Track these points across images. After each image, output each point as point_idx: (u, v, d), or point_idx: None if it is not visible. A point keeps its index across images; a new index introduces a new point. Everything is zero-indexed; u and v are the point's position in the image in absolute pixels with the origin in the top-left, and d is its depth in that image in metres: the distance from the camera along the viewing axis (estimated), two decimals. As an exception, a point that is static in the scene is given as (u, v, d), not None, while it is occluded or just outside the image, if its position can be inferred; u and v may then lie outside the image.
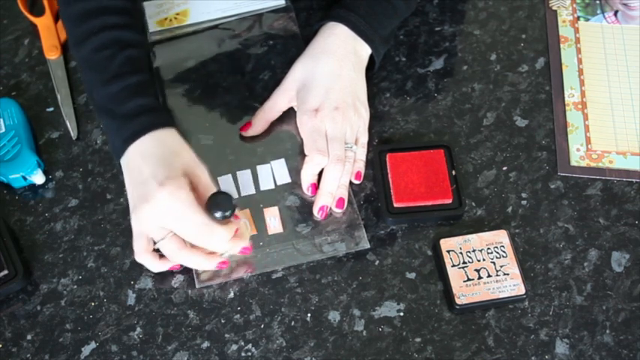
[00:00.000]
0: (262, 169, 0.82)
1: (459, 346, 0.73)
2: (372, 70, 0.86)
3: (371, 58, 0.85)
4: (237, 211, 0.73)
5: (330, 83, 0.80)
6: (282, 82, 0.84)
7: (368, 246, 0.78)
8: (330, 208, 0.79)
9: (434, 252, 0.78)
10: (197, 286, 0.76)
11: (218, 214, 0.70)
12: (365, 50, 0.83)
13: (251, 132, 0.84)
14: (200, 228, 0.70)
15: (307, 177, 0.79)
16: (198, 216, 0.69)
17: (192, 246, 0.72)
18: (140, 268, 0.77)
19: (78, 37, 0.77)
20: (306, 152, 0.79)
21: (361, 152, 0.82)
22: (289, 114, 0.85)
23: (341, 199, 0.79)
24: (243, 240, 0.74)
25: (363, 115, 0.82)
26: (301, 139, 0.81)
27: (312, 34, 0.85)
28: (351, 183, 0.81)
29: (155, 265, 0.75)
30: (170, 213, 0.69)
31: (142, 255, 0.74)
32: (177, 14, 0.93)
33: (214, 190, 0.72)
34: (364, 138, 0.82)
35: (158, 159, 0.71)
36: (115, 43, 0.75)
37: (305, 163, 0.79)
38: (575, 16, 0.94)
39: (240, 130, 0.84)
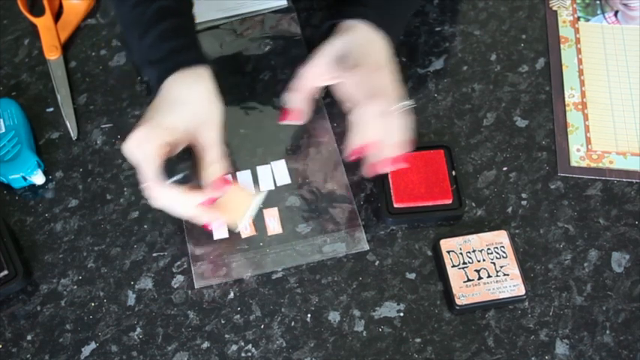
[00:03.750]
0: (262, 170, 0.82)
1: (459, 347, 0.73)
2: None
3: None
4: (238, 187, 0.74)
5: (374, 59, 0.76)
6: (315, 56, 0.78)
7: (367, 247, 0.78)
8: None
9: (434, 252, 0.78)
10: (197, 286, 0.76)
11: (168, 179, 0.70)
12: (387, 41, 0.80)
13: (293, 118, 0.78)
14: (147, 185, 0.70)
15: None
16: (147, 173, 0.69)
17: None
18: (140, 268, 0.77)
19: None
20: (365, 112, 0.74)
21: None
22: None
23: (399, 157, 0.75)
24: (213, 214, 0.73)
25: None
26: (301, 141, 0.80)
27: (323, 33, 0.81)
28: (351, 184, 0.81)
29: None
30: (133, 158, 0.70)
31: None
32: (178, 14, 0.93)
33: (215, 149, 0.72)
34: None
35: (159, 101, 0.71)
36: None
37: (364, 113, 0.73)
38: (576, 16, 0.94)
39: (279, 120, 0.80)
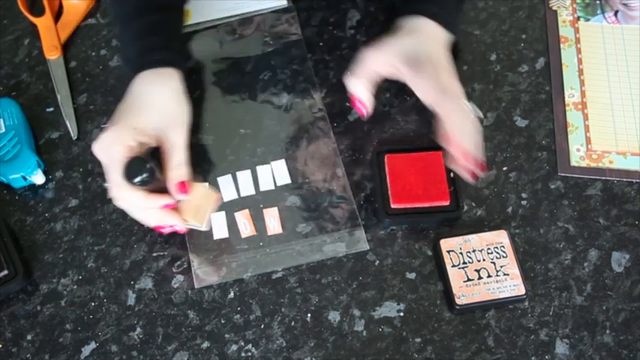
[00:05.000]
0: (262, 170, 0.82)
1: (459, 347, 0.73)
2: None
3: None
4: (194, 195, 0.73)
5: (438, 58, 0.77)
6: (380, 45, 0.78)
7: (367, 247, 0.78)
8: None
9: (434, 252, 0.78)
10: (197, 286, 0.76)
11: (130, 180, 0.69)
12: (448, 39, 0.81)
13: (358, 111, 0.77)
14: (112, 186, 0.70)
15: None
16: (112, 175, 0.70)
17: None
18: (140, 268, 0.77)
19: None
20: (442, 107, 0.75)
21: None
22: (289, 115, 0.85)
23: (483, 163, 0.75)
24: (168, 217, 0.72)
25: None
26: (301, 141, 0.81)
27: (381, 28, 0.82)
28: (351, 184, 0.81)
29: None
30: (102, 159, 0.71)
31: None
32: (178, 14, 0.93)
33: (181, 151, 0.72)
34: None
35: (129, 101, 0.72)
36: None
37: (452, 115, 0.74)
38: (575, 16, 0.94)
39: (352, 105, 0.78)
